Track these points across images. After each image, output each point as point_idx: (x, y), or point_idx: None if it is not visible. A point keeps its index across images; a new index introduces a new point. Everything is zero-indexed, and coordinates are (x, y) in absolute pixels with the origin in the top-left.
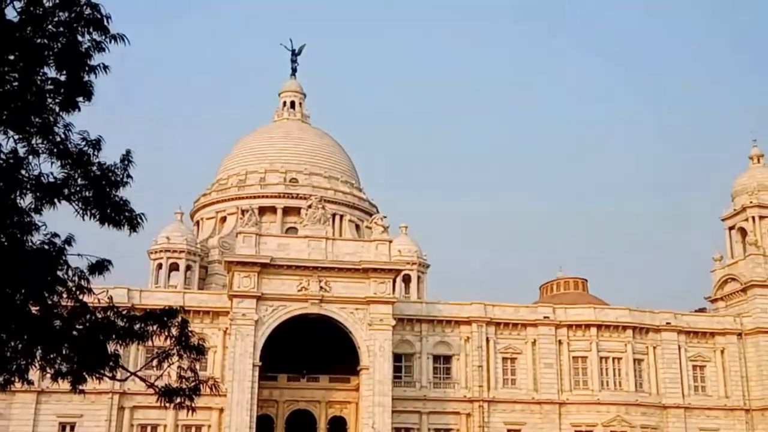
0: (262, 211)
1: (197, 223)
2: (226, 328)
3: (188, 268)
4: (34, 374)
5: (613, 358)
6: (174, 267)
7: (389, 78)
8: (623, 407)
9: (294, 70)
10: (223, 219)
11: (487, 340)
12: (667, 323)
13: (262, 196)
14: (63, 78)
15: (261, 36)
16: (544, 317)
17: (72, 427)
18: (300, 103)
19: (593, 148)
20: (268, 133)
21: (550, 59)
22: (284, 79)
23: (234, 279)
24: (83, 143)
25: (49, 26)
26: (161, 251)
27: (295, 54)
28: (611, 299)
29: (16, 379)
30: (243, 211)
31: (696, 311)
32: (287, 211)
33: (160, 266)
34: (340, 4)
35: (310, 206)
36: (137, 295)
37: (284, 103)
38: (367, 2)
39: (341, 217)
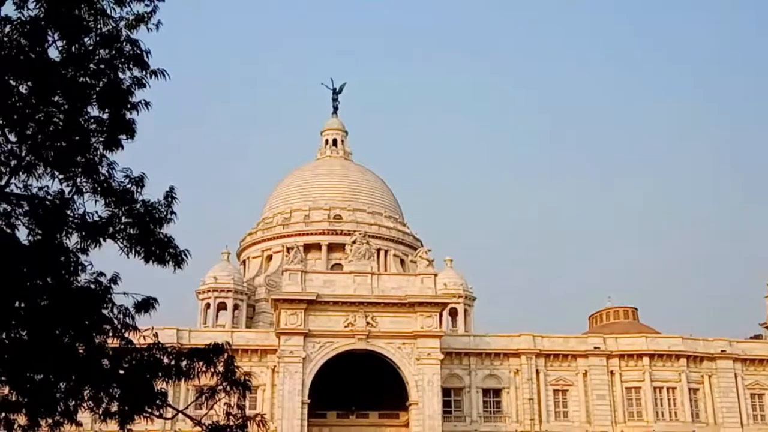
0: (307, 248)
1: (243, 262)
2: (275, 366)
3: (236, 307)
4: (86, 416)
5: (668, 388)
6: (222, 306)
7: (430, 111)
8: None
9: (335, 108)
10: (269, 257)
11: (537, 372)
12: (722, 351)
13: (307, 234)
14: (105, 116)
15: (303, 75)
16: (595, 348)
17: None
18: (342, 141)
19: (641, 176)
20: (312, 171)
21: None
22: (326, 117)
23: (281, 316)
24: (126, 181)
25: (91, 65)
26: (209, 291)
27: (336, 92)
28: (663, 328)
29: (65, 421)
30: (288, 249)
31: (751, 338)
32: (332, 247)
33: (208, 306)
34: (379, 41)
35: (354, 242)
36: (186, 335)
37: (326, 141)
38: (405, 38)
39: (386, 252)
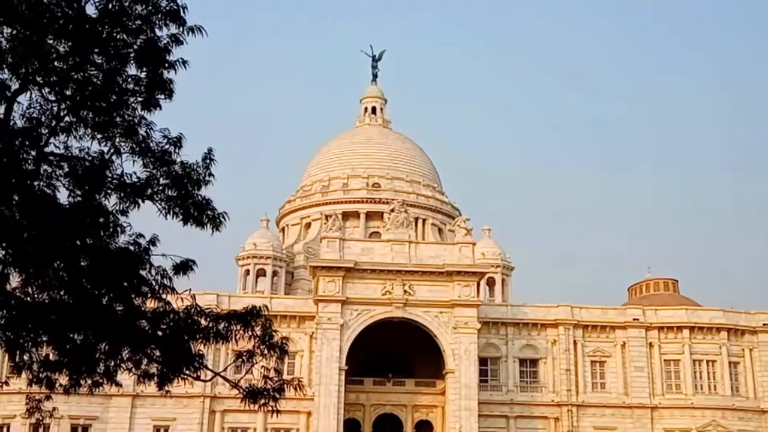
0: (346, 216)
1: (283, 229)
2: (312, 333)
3: (275, 273)
4: (127, 378)
5: (707, 361)
6: (261, 273)
7: (471, 79)
8: (719, 412)
9: (375, 76)
10: (308, 225)
11: (575, 343)
12: (764, 324)
13: (345, 202)
14: (143, 75)
15: (342, 42)
16: (634, 319)
17: (166, 430)
18: (381, 109)
19: (682, 146)
20: (350, 138)
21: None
22: (365, 85)
23: (319, 284)
24: (165, 141)
25: (128, 21)
26: (248, 257)
27: (375, 60)
28: (704, 300)
29: (105, 381)
30: (327, 217)
31: None
32: (370, 215)
33: (247, 272)
34: (419, 8)
35: (392, 210)
36: (226, 300)
37: (366, 108)
38: (444, 6)
39: (424, 220)
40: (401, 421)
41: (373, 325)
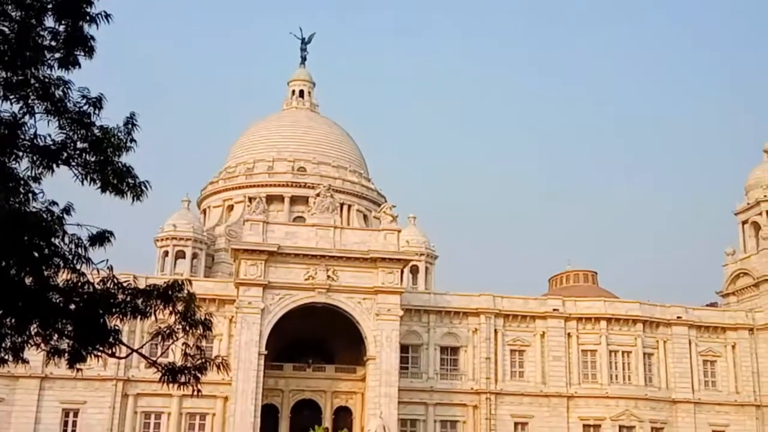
0: (270, 199)
1: (204, 211)
2: (232, 317)
3: (195, 255)
4: (35, 357)
5: (623, 352)
6: (180, 255)
7: (398, 67)
8: (632, 401)
9: (303, 59)
10: (231, 207)
11: (495, 332)
12: (678, 317)
13: (270, 185)
14: (62, 29)
15: (272, 24)
16: (554, 309)
17: (75, 414)
18: (309, 92)
19: (604, 138)
20: (277, 121)
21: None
22: (294, 67)
23: (240, 267)
24: (83, 102)
25: None
26: (168, 239)
27: (304, 42)
28: (621, 293)
29: (11, 358)
30: (250, 199)
31: (707, 305)
32: (295, 200)
33: (166, 254)
34: None
35: (318, 195)
36: (143, 282)
37: (293, 91)
38: None
39: (349, 207)
40: (320, 406)
41: (294, 310)
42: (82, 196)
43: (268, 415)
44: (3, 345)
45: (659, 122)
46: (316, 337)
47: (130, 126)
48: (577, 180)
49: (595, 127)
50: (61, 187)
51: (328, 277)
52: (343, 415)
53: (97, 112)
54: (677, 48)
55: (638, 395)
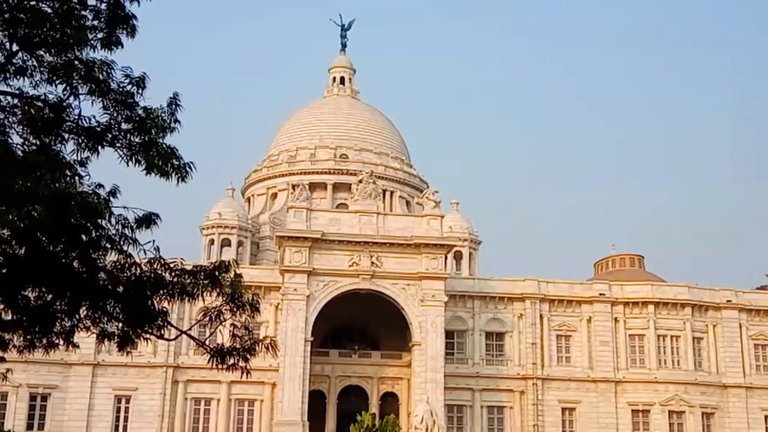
0: (313, 187)
1: (248, 199)
2: (278, 304)
3: (240, 243)
4: (88, 346)
5: (671, 337)
6: (226, 243)
7: (439, 52)
8: (682, 386)
9: (344, 46)
10: (274, 195)
11: (541, 317)
12: (728, 301)
13: (313, 172)
14: (104, 7)
15: (312, 10)
16: (600, 294)
17: (127, 400)
18: (350, 79)
19: (647, 120)
20: (318, 109)
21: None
22: (334, 54)
23: (285, 254)
24: (127, 81)
25: None
26: (213, 227)
27: (344, 29)
28: (669, 276)
29: (62, 342)
30: (293, 187)
31: (758, 289)
32: (337, 187)
33: (212, 242)
34: None
35: (360, 181)
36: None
37: (334, 78)
38: None
39: (392, 193)
40: (367, 392)
41: (339, 296)
42: (125, 187)
43: (316, 400)
44: (54, 329)
45: (705, 103)
46: (361, 323)
47: (173, 107)
48: (620, 162)
49: (638, 109)
50: (106, 171)
51: (372, 263)
52: (389, 400)
53: (140, 92)
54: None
55: (688, 380)
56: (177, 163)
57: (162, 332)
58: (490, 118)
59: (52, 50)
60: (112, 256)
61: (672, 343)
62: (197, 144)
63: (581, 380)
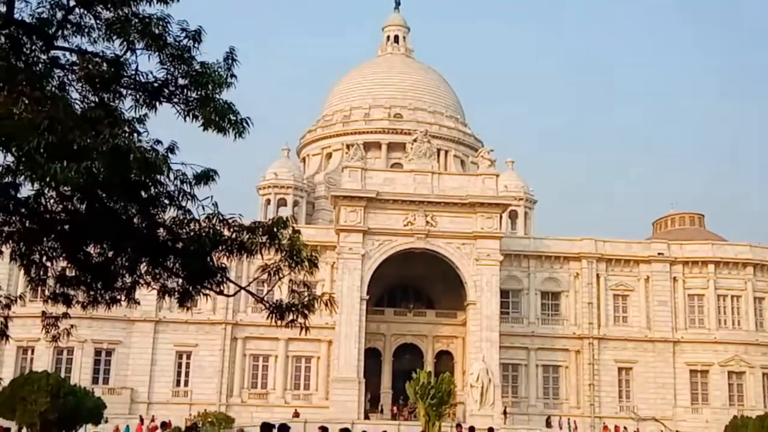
0: (367, 146)
1: (303, 159)
2: (334, 263)
3: (295, 203)
4: (149, 301)
5: (732, 296)
6: (282, 203)
7: (494, 9)
8: (742, 347)
9: (398, 3)
10: (329, 155)
11: (598, 276)
12: None
13: (367, 132)
14: None
15: None
16: (659, 253)
17: (188, 356)
18: (404, 37)
19: (707, 81)
20: (372, 68)
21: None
22: (388, 13)
23: (340, 214)
24: (182, 35)
25: None
26: (269, 187)
27: None
28: (730, 235)
29: (123, 298)
30: (348, 147)
31: None
32: (392, 146)
33: (268, 202)
34: None
35: (415, 140)
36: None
37: (388, 37)
38: None
39: (446, 152)
40: (422, 351)
41: (394, 255)
42: (183, 144)
43: (371, 358)
44: (115, 285)
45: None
46: (415, 282)
47: (229, 61)
48: (681, 121)
49: (700, 68)
50: (163, 127)
51: (427, 222)
52: (444, 359)
53: (196, 45)
54: None
55: (749, 340)
56: (234, 118)
57: (221, 288)
58: (547, 73)
59: (109, 5)
60: (171, 212)
61: (732, 303)
62: (254, 103)
63: (638, 340)
